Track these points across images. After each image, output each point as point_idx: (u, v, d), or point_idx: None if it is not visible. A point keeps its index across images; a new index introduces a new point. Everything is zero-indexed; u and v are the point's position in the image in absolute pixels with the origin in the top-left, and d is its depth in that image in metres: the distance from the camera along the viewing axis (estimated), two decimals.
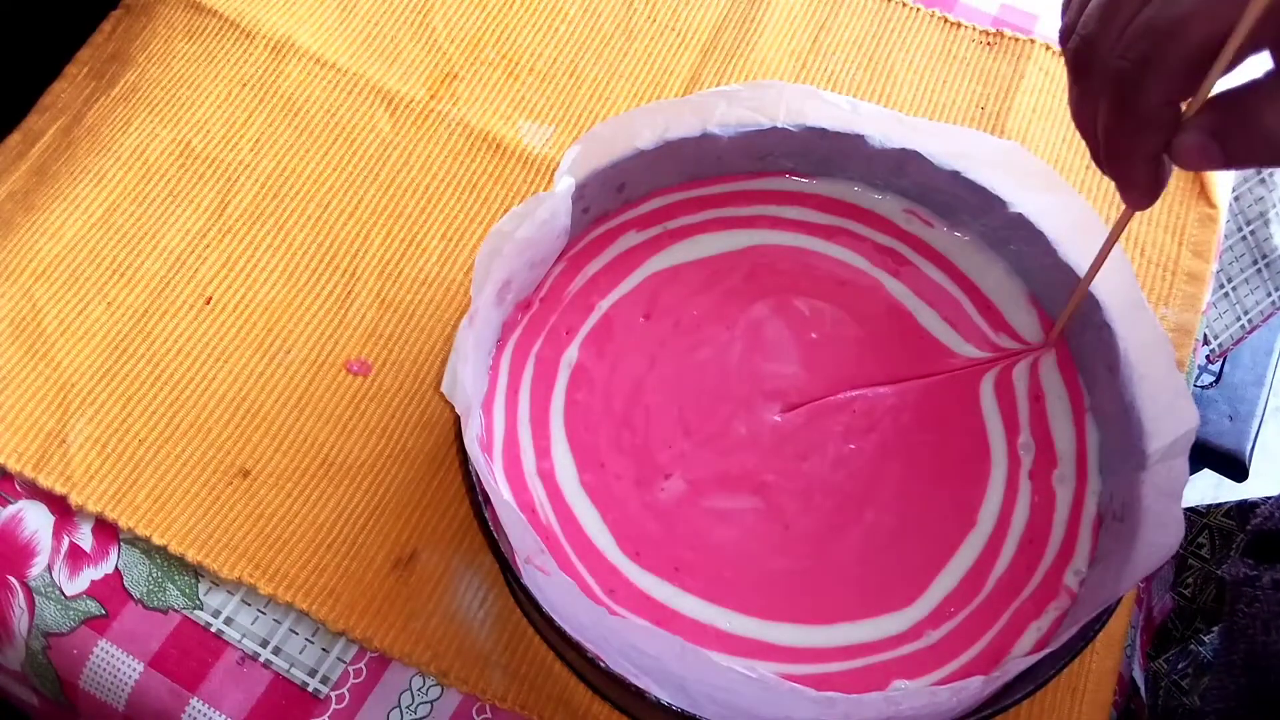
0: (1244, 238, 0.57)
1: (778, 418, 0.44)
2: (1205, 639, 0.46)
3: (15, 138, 0.52)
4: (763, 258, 0.47)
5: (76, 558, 0.43)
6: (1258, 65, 0.31)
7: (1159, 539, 0.38)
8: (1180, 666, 0.46)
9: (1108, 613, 0.38)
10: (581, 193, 0.43)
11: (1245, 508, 0.54)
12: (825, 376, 0.45)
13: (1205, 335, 0.55)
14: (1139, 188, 0.34)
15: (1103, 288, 0.43)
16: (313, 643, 0.42)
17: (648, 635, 0.34)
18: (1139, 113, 0.32)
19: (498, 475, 0.42)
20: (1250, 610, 0.44)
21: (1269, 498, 0.53)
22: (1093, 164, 0.53)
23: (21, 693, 0.46)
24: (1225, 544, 0.50)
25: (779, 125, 0.45)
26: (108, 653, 0.42)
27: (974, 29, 0.56)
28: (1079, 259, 0.43)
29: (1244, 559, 0.47)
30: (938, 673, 0.40)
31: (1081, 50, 0.33)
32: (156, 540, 0.43)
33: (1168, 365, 0.41)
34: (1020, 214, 0.45)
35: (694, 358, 0.45)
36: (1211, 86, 0.31)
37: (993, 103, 0.54)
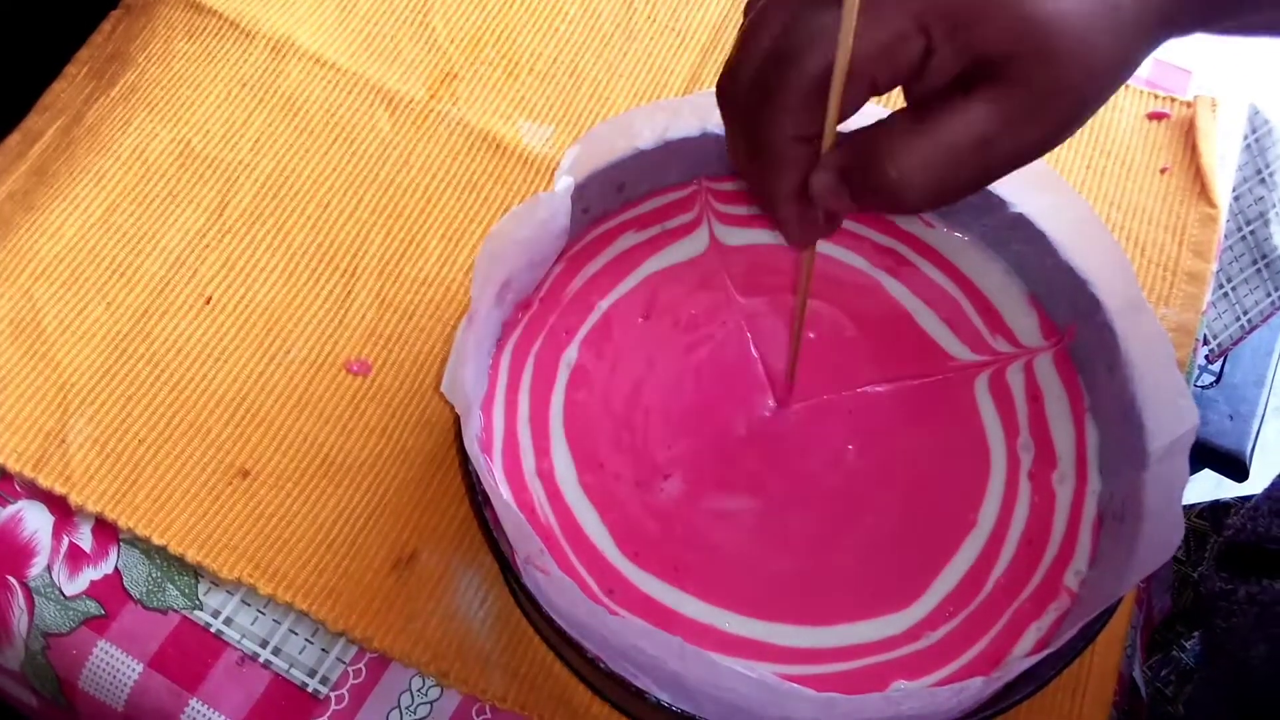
0: (1244, 238, 0.57)
1: (776, 418, 0.44)
2: (1186, 645, 0.46)
3: (15, 138, 0.52)
4: (762, 258, 0.47)
5: (76, 558, 0.43)
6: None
7: (1160, 539, 0.38)
8: (1164, 674, 0.46)
9: (1108, 613, 0.38)
10: (581, 193, 0.43)
11: (1218, 508, 0.54)
12: (823, 377, 0.45)
13: (1205, 335, 0.55)
14: (789, 228, 0.32)
15: (1103, 288, 0.43)
16: (312, 643, 0.42)
17: (648, 635, 0.34)
18: (767, 149, 0.30)
19: (497, 475, 0.42)
20: (1227, 625, 0.44)
21: (1242, 498, 0.53)
22: (1094, 163, 0.53)
23: (20, 693, 0.46)
24: (1200, 545, 0.50)
25: None
26: (107, 653, 0.42)
27: None
28: (1080, 259, 0.43)
29: (1219, 572, 0.47)
30: (938, 673, 0.40)
31: (723, 80, 0.31)
32: (156, 540, 0.43)
33: (1168, 365, 0.41)
34: (1021, 214, 0.45)
35: (693, 358, 0.45)
36: (834, 121, 0.29)
37: None
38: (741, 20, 0.32)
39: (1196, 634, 0.47)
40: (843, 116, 0.29)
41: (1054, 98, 0.28)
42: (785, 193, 0.31)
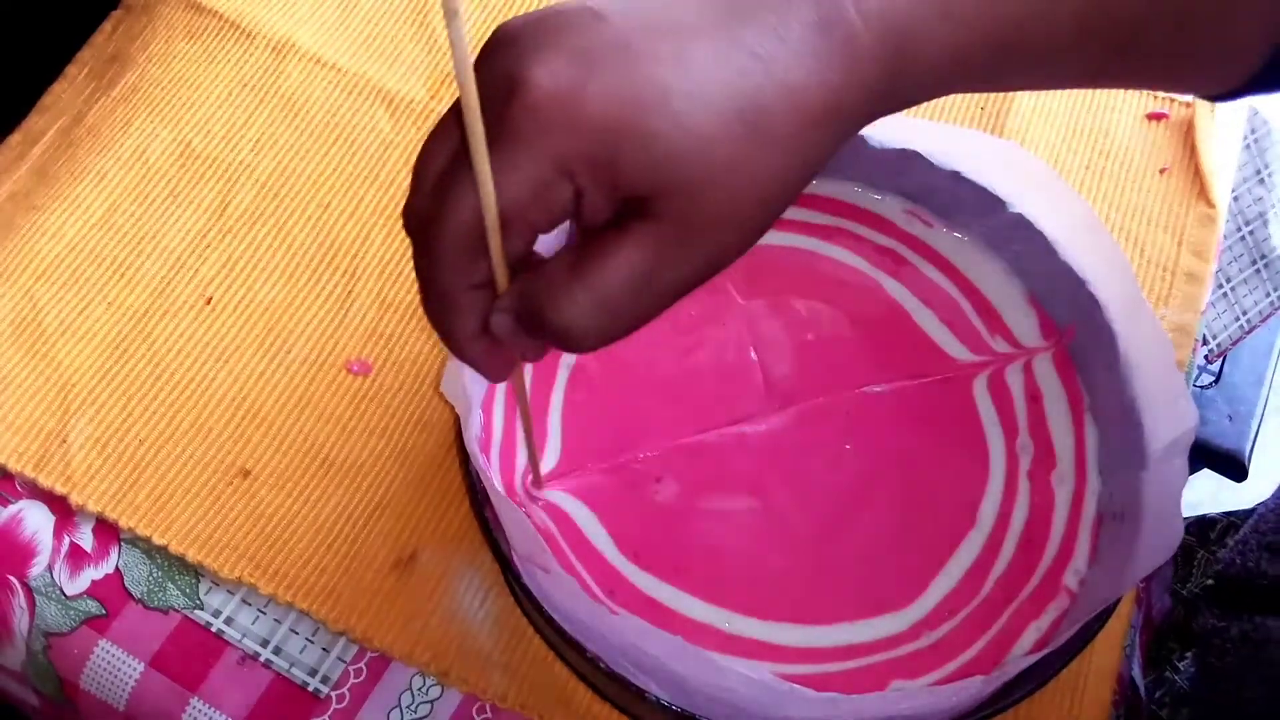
0: (1243, 238, 0.57)
1: (775, 418, 0.44)
2: (1180, 665, 0.46)
3: (16, 138, 0.52)
4: (762, 258, 0.47)
5: (77, 557, 0.43)
6: None
7: (1159, 539, 0.38)
8: (1158, 695, 0.46)
9: (1107, 613, 0.38)
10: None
11: (1205, 524, 0.54)
12: (822, 377, 0.45)
13: (1204, 335, 0.55)
14: (480, 366, 0.31)
15: (1102, 288, 0.43)
16: (313, 642, 0.42)
17: (648, 635, 0.34)
18: (440, 295, 0.29)
19: (495, 475, 0.42)
20: (1221, 664, 0.44)
21: (1229, 514, 0.53)
22: (1093, 164, 0.53)
23: (22, 693, 0.46)
24: (1187, 560, 0.50)
25: None
26: (108, 653, 0.42)
27: None
28: (1079, 259, 0.43)
29: (1210, 608, 0.47)
30: (937, 673, 0.40)
31: (404, 215, 0.30)
32: (157, 540, 0.43)
33: (1167, 365, 0.41)
34: (1020, 214, 0.45)
35: (692, 359, 0.45)
36: (500, 267, 0.28)
37: (993, 103, 0.54)
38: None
39: (1190, 655, 0.47)
40: (513, 259, 0.29)
41: (706, 228, 0.28)
42: (467, 336, 0.30)
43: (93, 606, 0.42)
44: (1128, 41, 0.31)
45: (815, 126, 0.28)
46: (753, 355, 0.45)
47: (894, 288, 0.47)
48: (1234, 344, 0.59)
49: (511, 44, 0.27)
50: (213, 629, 0.42)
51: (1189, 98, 0.54)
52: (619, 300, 0.28)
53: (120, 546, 0.43)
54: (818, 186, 0.48)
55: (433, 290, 0.29)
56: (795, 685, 0.33)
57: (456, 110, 0.27)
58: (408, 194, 0.29)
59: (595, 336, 0.28)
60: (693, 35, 0.27)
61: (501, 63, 0.27)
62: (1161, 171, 0.53)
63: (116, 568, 0.43)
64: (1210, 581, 0.49)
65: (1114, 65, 0.33)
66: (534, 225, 0.28)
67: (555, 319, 0.28)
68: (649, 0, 0.28)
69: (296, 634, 0.42)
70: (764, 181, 0.28)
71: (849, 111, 0.29)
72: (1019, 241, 0.46)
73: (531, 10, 0.28)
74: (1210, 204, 0.52)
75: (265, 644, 0.42)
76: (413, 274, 0.48)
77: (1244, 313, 0.58)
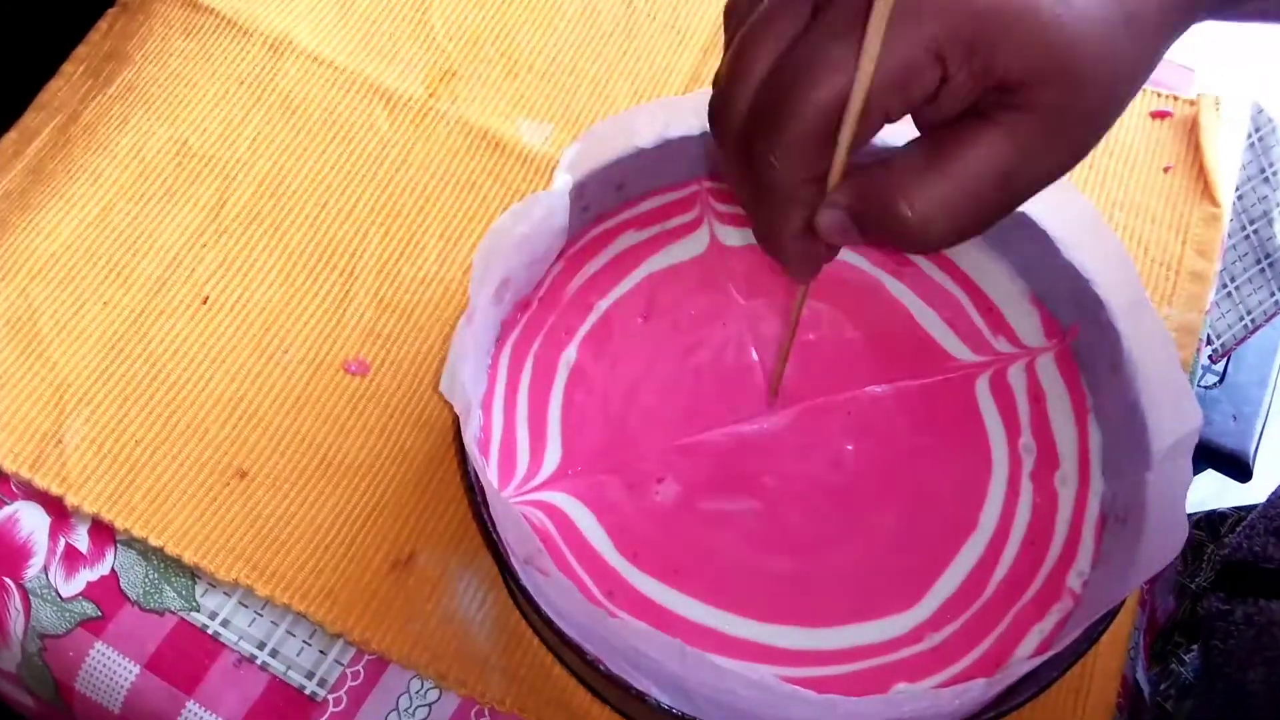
0: (1247, 237, 0.57)
1: (776, 419, 0.44)
2: (1185, 658, 0.46)
3: (11, 136, 0.52)
4: (762, 258, 0.46)
5: (72, 559, 0.43)
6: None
7: (1163, 540, 0.37)
8: (1163, 687, 0.45)
9: (1111, 615, 0.37)
10: (581, 191, 0.43)
11: (1215, 518, 0.54)
12: (823, 378, 0.44)
13: (1209, 335, 0.55)
14: (793, 264, 0.30)
15: (1106, 287, 0.43)
16: (310, 645, 0.42)
17: (647, 637, 0.34)
18: (771, 188, 0.28)
19: (495, 475, 0.42)
20: (1226, 647, 0.44)
21: (1239, 508, 0.53)
22: (1096, 162, 0.53)
23: (17, 695, 0.46)
24: (1196, 556, 0.49)
25: None
26: (104, 655, 0.42)
27: None
28: (1083, 258, 0.43)
29: (1216, 592, 0.46)
30: (939, 675, 0.39)
31: (716, 106, 0.29)
32: (153, 541, 0.43)
33: (1171, 365, 0.40)
34: (1023, 213, 0.44)
35: (692, 359, 0.44)
36: (844, 159, 0.27)
37: None
38: (724, 31, 0.30)
39: (1195, 647, 0.47)
40: (853, 150, 0.27)
41: (1076, 121, 0.27)
42: (791, 232, 0.29)
43: (88, 608, 0.42)
44: None
45: (1169, 19, 0.27)
46: (754, 355, 0.45)
47: (896, 287, 0.46)
48: (1238, 344, 0.59)
49: None
50: (209, 631, 0.42)
51: (1193, 95, 0.54)
52: (979, 194, 0.27)
53: (116, 548, 0.43)
54: None
55: (762, 182, 0.28)
56: (796, 687, 0.33)
57: None
58: (724, 74, 0.28)
59: (943, 233, 0.27)
60: None
61: None
62: (1165, 170, 0.53)
63: (112, 569, 0.43)
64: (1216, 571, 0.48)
65: None
66: (888, 112, 0.27)
67: (906, 213, 0.27)
68: None
69: (293, 636, 0.42)
70: (1133, 71, 0.27)
71: (1184, 18, 0.28)
72: (1022, 240, 0.45)
73: None
74: (1215, 203, 0.52)
75: (262, 646, 0.42)
76: (411, 274, 0.48)
77: (1248, 312, 0.58)
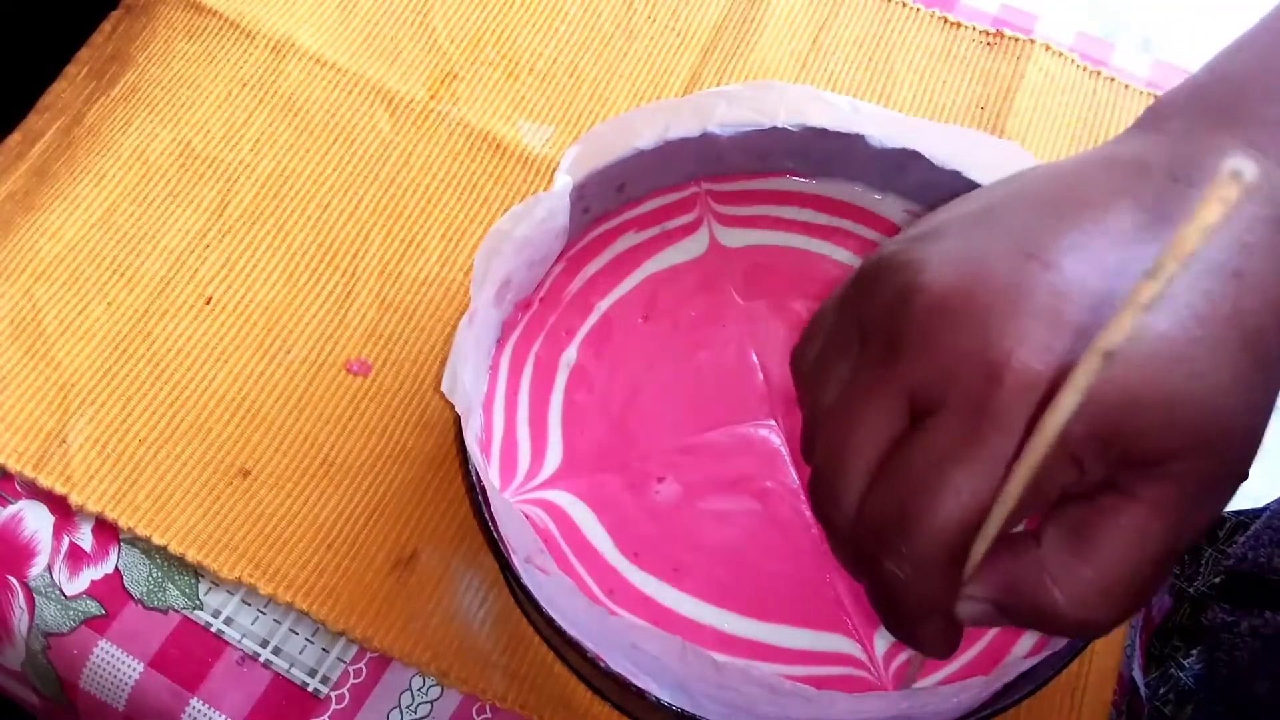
0: None
1: (775, 420, 0.44)
2: (1185, 662, 0.46)
3: (15, 138, 0.52)
4: (762, 259, 0.47)
5: (76, 558, 0.43)
6: None
7: None
8: (1161, 692, 0.45)
9: None
10: (581, 192, 0.43)
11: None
12: None
13: None
14: (931, 649, 0.28)
15: None
16: (313, 643, 0.42)
17: (648, 635, 0.34)
18: (903, 599, 0.26)
19: (496, 475, 0.42)
20: (1230, 659, 0.44)
21: (1237, 512, 0.53)
22: None
23: (22, 692, 0.46)
24: (1194, 558, 0.49)
25: (779, 125, 0.45)
26: (108, 653, 0.42)
27: (974, 29, 0.56)
28: None
29: (1220, 603, 0.46)
30: (937, 674, 0.40)
31: (820, 494, 0.27)
32: (156, 540, 0.43)
33: None
34: None
35: (692, 360, 0.45)
36: (980, 557, 0.25)
37: (993, 103, 0.54)
38: (796, 376, 0.29)
39: (1195, 653, 0.47)
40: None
41: (1230, 476, 0.25)
42: (933, 634, 0.27)
43: (92, 607, 0.42)
44: None
45: None
46: (753, 357, 0.45)
47: None
48: None
49: (971, 319, 0.24)
50: (212, 629, 0.42)
51: None
52: (1137, 574, 0.25)
53: (120, 546, 0.43)
54: (818, 187, 0.48)
55: (900, 593, 0.26)
56: (796, 684, 0.33)
57: (891, 392, 0.25)
58: (826, 476, 0.27)
59: (1107, 621, 0.25)
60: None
61: (967, 342, 0.24)
62: None
63: (116, 568, 0.43)
64: (1219, 579, 0.48)
65: None
66: (1025, 516, 0.25)
67: (1058, 605, 0.25)
68: (1086, 229, 0.25)
69: (296, 634, 0.42)
70: (1268, 407, 0.26)
71: None
72: None
73: (929, 250, 0.24)
74: None
75: (265, 644, 0.42)
76: (413, 275, 0.49)
77: None
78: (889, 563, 0.26)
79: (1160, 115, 0.29)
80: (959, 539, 0.25)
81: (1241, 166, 0.18)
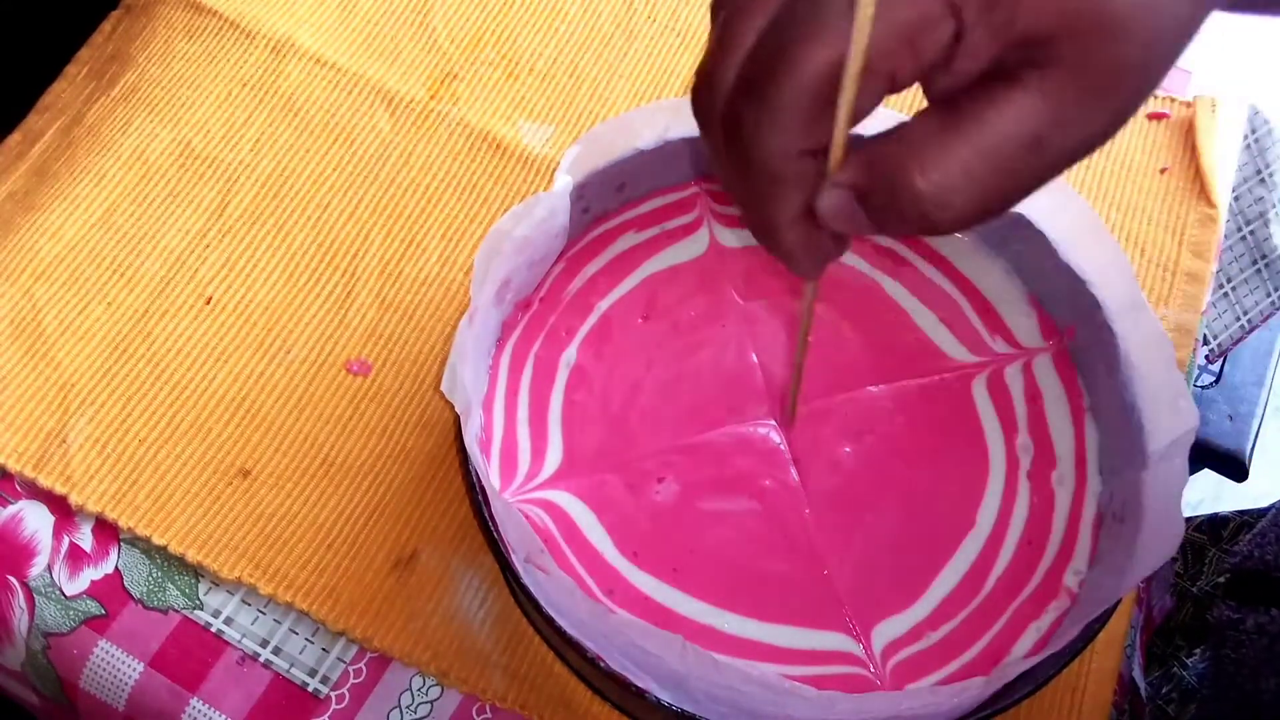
0: (1244, 238, 0.57)
1: (773, 420, 0.44)
2: (1188, 661, 0.46)
3: (15, 138, 0.52)
4: (762, 260, 0.47)
5: (76, 558, 0.43)
6: None
7: (1159, 539, 0.38)
8: (1165, 691, 0.45)
9: (1108, 613, 0.38)
10: (581, 192, 0.43)
11: (1216, 522, 0.54)
12: (822, 378, 0.45)
13: (1205, 335, 0.55)
14: (795, 257, 0.27)
15: (1103, 288, 0.43)
16: (313, 643, 0.42)
17: (648, 634, 0.34)
18: (762, 169, 0.25)
19: (495, 475, 0.42)
20: (1236, 656, 0.44)
21: (1241, 512, 0.53)
22: (1093, 164, 0.53)
23: (22, 692, 0.46)
24: (1198, 558, 0.49)
25: None
26: (108, 653, 0.42)
27: None
28: (1080, 259, 0.43)
29: (1226, 600, 0.46)
30: (938, 673, 0.40)
31: (698, 89, 0.26)
32: (156, 540, 0.43)
33: (1168, 365, 0.41)
34: (1020, 214, 0.45)
35: (691, 360, 0.45)
36: (846, 129, 0.24)
37: None
38: (710, 22, 0.27)
39: (1198, 652, 0.47)
40: (855, 120, 0.24)
41: (1115, 77, 0.23)
42: (788, 218, 0.25)
43: (92, 607, 0.42)
44: None
45: None
46: (753, 357, 0.45)
47: (894, 288, 0.47)
48: (1235, 344, 0.59)
49: None
50: (212, 629, 0.42)
51: (1190, 97, 0.54)
52: (1008, 163, 0.23)
53: (120, 546, 0.43)
54: None
55: (753, 163, 0.25)
56: (796, 683, 0.33)
57: None
58: (708, 54, 0.25)
59: (964, 210, 0.24)
60: None
61: None
62: (1162, 171, 0.53)
63: (116, 568, 0.43)
64: (1223, 579, 0.49)
65: None
66: (893, 76, 0.23)
67: (923, 185, 0.23)
68: None
69: (296, 634, 0.42)
70: (1174, 28, 0.24)
71: None
72: (1019, 241, 0.45)
73: None
74: (1211, 204, 0.52)
75: (265, 644, 0.42)
76: (413, 275, 0.49)
77: (1244, 313, 0.58)
78: (752, 120, 0.24)
79: None
80: (818, 81, 0.23)
81: None
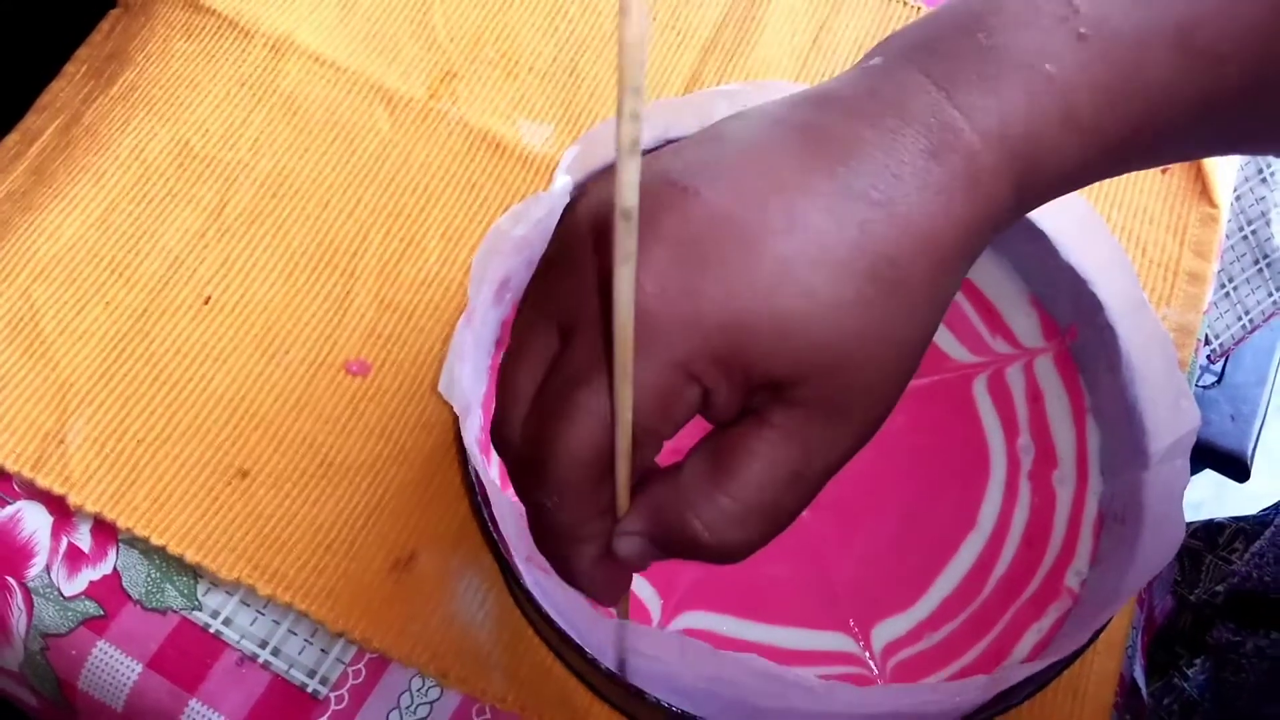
0: (1245, 237, 0.57)
1: None
2: (1189, 672, 0.46)
3: (13, 137, 0.52)
4: None
5: (75, 558, 0.43)
6: None
7: (1161, 540, 0.38)
8: (1166, 702, 0.45)
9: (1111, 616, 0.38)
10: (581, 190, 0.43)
11: (1212, 528, 0.54)
12: None
13: (1207, 335, 0.55)
14: (596, 592, 0.28)
15: (1104, 288, 0.43)
16: (312, 644, 0.42)
17: (646, 635, 0.34)
18: (554, 529, 0.27)
19: (495, 475, 0.42)
20: (1237, 680, 0.44)
21: (1238, 519, 0.53)
22: None
23: (20, 693, 0.46)
24: (1195, 565, 0.49)
25: None
26: (106, 654, 0.42)
27: None
28: (1081, 259, 0.43)
29: (1225, 623, 0.46)
30: (938, 674, 0.40)
31: (494, 440, 0.27)
32: (155, 541, 0.43)
33: (1169, 365, 0.41)
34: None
35: None
36: (626, 491, 0.26)
37: None
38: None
39: (1198, 662, 0.47)
40: (638, 471, 0.26)
41: (855, 403, 0.25)
42: (587, 565, 0.27)
43: (91, 607, 0.42)
44: (1250, 109, 0.28)
45: (948, 266, 0.25)
46: None
47: None
48: (1236, 344, 0.59)
49: (603, 246, 0.24)
50: (211, 630, 0.42)
51: None
52: (771, 500, 0.25)
53: (118, 547, 0.43)
54: None
55: (549, 522, 0.26)
56: (798, 672, 0.33)
57: (544, 319, 0.25)
58: (497, 411, 0.27)
59: (746, 545, 0.26)
60: (800, 191, 0.24)
61: (600, 260, 0.24)
62: (1163, 171, 0.53)
63: (114, 568, 0.43)
64: (1220, 588, 0.48)
65: (1241, 138, 0.31)
66: (660, 437, 0.25)
67: (699, 535, 0.25)
68: (734, 159, 0.25)
69: (295, 635, 0.42)
70: (906, 338, 0.26)
71: (979, 239, 0.26)
72: (1020, 241, 0.45)
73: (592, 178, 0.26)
74: (1212, 203, 0.52)
75: (264, 645, 0.42)
76: (412, 275, 0.49)
77: (1246, 312, 0.58)
78: (538, 493, 0.26)
79: (869, 54, 0.28)
80: (591, 458, 0.25)
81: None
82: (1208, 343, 0.57)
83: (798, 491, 0.26)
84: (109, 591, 0.43)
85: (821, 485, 0.26)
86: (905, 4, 0.56)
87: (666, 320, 0.24)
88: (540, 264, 0.28)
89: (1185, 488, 0.39)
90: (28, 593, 0.43)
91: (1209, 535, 0.53)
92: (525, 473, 0.26)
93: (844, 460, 0.26)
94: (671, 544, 0.26)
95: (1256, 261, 0.57)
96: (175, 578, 0.43)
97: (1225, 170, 0.53)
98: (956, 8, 0.27)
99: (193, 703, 0.41)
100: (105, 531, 0.43)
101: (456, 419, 0.38)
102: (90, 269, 0.48)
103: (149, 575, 0.43)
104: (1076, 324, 0.44)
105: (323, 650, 0.42)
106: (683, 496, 0.26)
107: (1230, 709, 0.44)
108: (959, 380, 0.45)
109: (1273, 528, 0.47)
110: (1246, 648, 0.44)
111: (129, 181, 0.50)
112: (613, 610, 0.33)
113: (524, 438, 0.26)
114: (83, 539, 0.43)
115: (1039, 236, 0.44)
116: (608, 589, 0.28)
